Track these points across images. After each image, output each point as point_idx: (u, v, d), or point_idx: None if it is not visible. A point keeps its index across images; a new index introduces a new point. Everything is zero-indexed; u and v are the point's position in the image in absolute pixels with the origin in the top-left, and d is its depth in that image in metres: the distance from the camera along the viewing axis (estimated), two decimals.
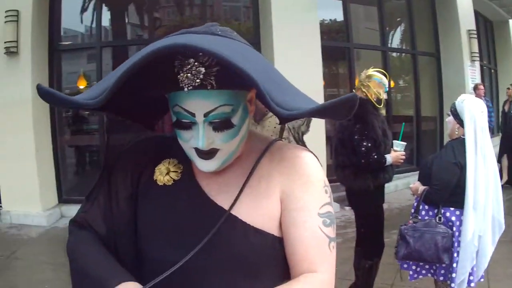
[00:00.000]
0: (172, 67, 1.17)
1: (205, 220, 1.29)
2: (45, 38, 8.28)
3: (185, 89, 1.16)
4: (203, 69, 1.14)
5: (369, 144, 4.17)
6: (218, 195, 1.33)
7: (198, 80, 1.14)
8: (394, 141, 4.47)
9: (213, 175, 1.34)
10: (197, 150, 1.24)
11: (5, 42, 7.70)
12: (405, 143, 4.48)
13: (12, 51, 7.73)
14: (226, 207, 1.29)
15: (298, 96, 1.26)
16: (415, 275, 3.78)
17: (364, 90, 4.35)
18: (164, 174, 1.38)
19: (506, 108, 10.29)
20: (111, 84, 1.11)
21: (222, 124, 1.22)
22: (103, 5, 8.92)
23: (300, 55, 7.83)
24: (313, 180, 1.32)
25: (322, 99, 8.11)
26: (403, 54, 11.73)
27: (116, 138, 1.63)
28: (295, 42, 7.86)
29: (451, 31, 11.07)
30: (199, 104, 1.18)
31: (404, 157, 4.43)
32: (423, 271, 3.74)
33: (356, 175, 4.30)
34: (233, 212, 1.28)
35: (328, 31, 10.05)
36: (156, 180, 1.38)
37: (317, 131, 7.11)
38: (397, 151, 4.38)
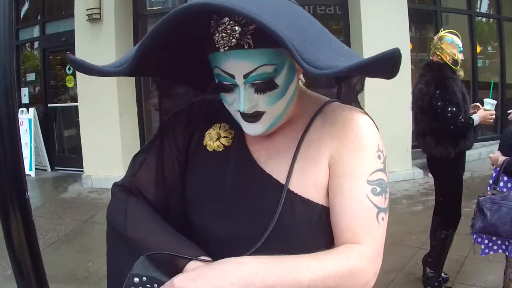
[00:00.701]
0: (209, 28, 1.11)
1: (253, 190, 1.23)
2: (129, 4, 8.33)
3: (221, 49, 1.10)
4: (238, 28, 1.07)
5: (454, 109, 4.05)
6: (267, 162, 1.26)
7: (234, 40, 1.08)
8: (485, 99, 4.34)
9: (263, 140, 1.28)
10: (242, 113, 1.18)
11: (87, 9, 7.79)
12: (495, 101, 4.34)
13: (95, 18, 7.84)
14: (275, 175, 1.22)
15: (339, 52, 1.11)
16: (487, 250, 3.67)
17: (438, 53, 4.25)
18: (215, 139, 1.32)
19: None
20: (135, 50, 1.08)
21: (264, 85, 1.14)
22: None
23: (387, 18, 7.64)
24: (365, 144, 1.19)
25: (409, 62, 7.97)
26: (489, 19, 11.28)
27: (170, 102, 1.52)
28: (383, 4, 7.65)
29: None
30: (237, 65, 1.12)
31: (493, 116, 4.29)
32: (495, 247, 3.63)
33: (437, 142, 4.21)
34: (290, 187, 1.19)
35: None
36: (205, 145, 1.33)
37: (402, 97, 7.03)
38: (487, 110, 4.24)
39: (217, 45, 1.10)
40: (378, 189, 1.16)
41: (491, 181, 3.67)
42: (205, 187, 1.29)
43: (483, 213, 3.42)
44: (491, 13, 11.13)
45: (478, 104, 4.39)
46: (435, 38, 4.41)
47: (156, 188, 1.35)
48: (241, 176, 1.25)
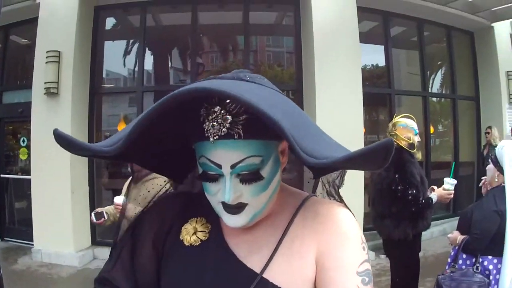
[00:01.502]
0: (198, 116, 1.12)
1: (234, 284, 1.20)
2: (86, 80, 8.33)
3: (211, 139, 1.10)
4: (229, 118, 1.09)
5: (414, 191, 4.17)
6: (248, 257, 1.23)
7: (224, 129, 1.09)
8: (445, 179, 4.44)
9: (242, 234, 1.27)
10: (225, 204, 1.16)
11: (45, 83, 7.77)
12: (455, 181, 4.44)
13: (52, 92, 7.79)
14: (257, 269, 1.20)
15: (329, 144, 1.14)
16: None
17: (394, 139, 4.28)
18: (191, 234, 1.30)
19: (485, 153, 10.01)
20: (129, 131, 1.06)
21: (250, 176, 1.14)
22: (146, 49, 8.96)
23: (341, 101, 7.76)
24: (350, 237, 1.20)
25: (362, 145, 8.05)
26: (443, 99, 11.57)
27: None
28: (338, 88, 7.78)
29: (491, 73, 10.91)
30: (225, 155, 1.11)
31: (451, 196, 4.41)
32: None
33: (395, 225, 4.29)
34: (265, 275, 1.18)
35: (370, 76, 9.95)
36: (182, 240, 1.30)
37: (355, 179, 7.17)
38: (445, 189, 4.35)
39: (206, 134, 1.10)
40: (367, 279, 1.17)
41: (449, 260, 3.77)
42: (182, 282, 1.25)
43: None
44: (445, 92, 11.39)
45: (433, 186, 4.48)
46: (390, 125, 4.56)
47: (128, 284, 1.33)
48: (221, 271, 1.22)
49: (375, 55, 9.87)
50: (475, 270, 3.49)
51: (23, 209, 9.41)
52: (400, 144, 4.33)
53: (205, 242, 1.28)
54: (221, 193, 1.15)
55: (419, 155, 4.54)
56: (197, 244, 1.28)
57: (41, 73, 7.86)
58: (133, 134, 1.05)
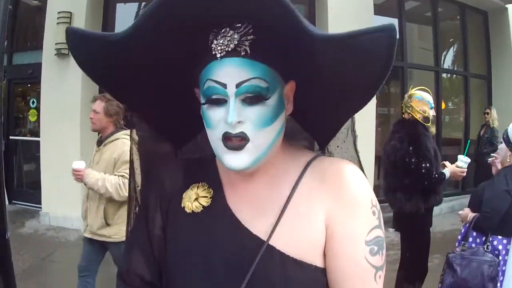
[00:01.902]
0: (206, 41, 1.10)
1: (240, 252, 1.15)
2: None
3: (218, 55, 1.08)
4: (237, 36, 1.06)
5: (428, 165, 4.14)
6: (253, 221, 1.18)
7: (232, 45, 1.06)
8: (459, 156, 4.43)
9: (245, 196, 1.22)
10: (226, 139, 1.10)
11: (56, 44, 7.73)
12: (469, 160, 4.43)
13: (63, 53, 7.75)
14: (263, 235, 1.15)
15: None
16: None
17: (408, 111, 4.36)
18: (193, 200, 1.24)
19: (481, 133, 9.86)
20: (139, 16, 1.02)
21: (255, 100, 1.09)
22: None
23: None
24: (360, 202, 1.16)
25: (374, 118, 8.05)
26: (455, 75, 11.56)
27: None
28: None
29: (503, 54, 10.87)
30: (231, 73, 1.08)
31: (464, 173, 4.41)
32: None
33: (407, 197, 4.25)
34: (271, 242, 1.13)
35: None
36: (184, 207, 1.25)
37: (366, 151, 7.10)
38: (459, 166, 4.34)
39: (213, 52, 1.08)
40: (376, 248, 1.14)
41: (459, 237, 3.73)
42: (185, 251, 1.22)
43: (453, 269, 3.46)
44: (457, 69, 11.37)
45: (445, 162, 4.46)
46: (406, 96, 4.51)
47: (151, 270, 1.30)
48: (225, 237, 1.18)
49: None
50: (485, 249, 3.47)
51: (31, 171, 9.45)
52: (415, 116, 4.30)
53: (208, 209, 1.23)
54: (223, 123, 1.09)
55: (433, 129, 4.56)
56: (199, 210, 1.23)
57: (52, 34, 7.82)
58: (145, 16, 1.01)
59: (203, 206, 1.23)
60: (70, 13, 7.76)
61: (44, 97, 8.07)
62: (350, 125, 1.35)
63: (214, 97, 1.10)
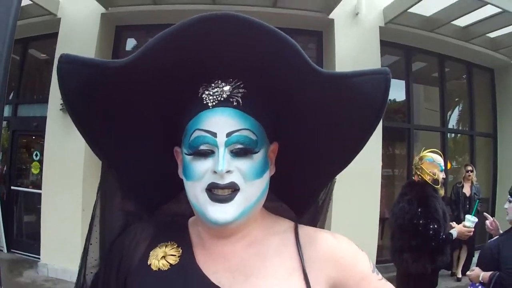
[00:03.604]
0: (196, 92, 1.12)
1: None
2: None
3: (210, 104, 1.09)
4: (229, 87, 1.09)
5: (436, 226, 4.17)
6: (233, 285, 1.12)
7: (224, 95, 1.09)
8: (467, 216, 4.43)
9: (223, 259, 1.17)
10: (212, 190, 1.07)
11: (61, 99, 7.66)
12: (476, 219, 4.41)
13: None
14: None
15: None
16: None
17: (418, 173, 4.42)
18: (160, 257, 1.19)
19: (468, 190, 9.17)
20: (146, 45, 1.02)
21: (244, 152, 1.09)
22: None
23: None
24: (356, 256, 1.24)
25: (379, 178, 8.06)
26: (460, 135, 11.59)
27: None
28: None
29: (509, 111, 10.81)
30: (222, 122, 1.08)
31: (471, 233, 4.38)
32: None
33: (414, 259, 4.26)
34: None
35: (389, 111, 9.86)
36: (150, 264, 1.19)
37: (370, 212, 7.35)
38: (466, 226, 4.32)
39: (205, 101, 1.09)
40: (376, 270, 1.25)
41: None
42: None
43: None
44: (462, 128, 11.38)
45: (452, 223, 4.52)
46: (416, 158, 4.61)
47: None
48: None
49: (395, 90, 9.81)
50: None
51: (31, 222, 9.42)
52: (425, 178, 4.36)
53: (175, 267, 1.17)
54: (209, 173, 1.07)
55: (442, 192, 4.60)
56: (166, 268, 1.17)
57: (58, 89, 7.76)
58: (153, 44, 1.00)
59: (171, 265, 1.17)
60: None
61: (47, 150, 8.07)
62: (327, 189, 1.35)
63: (202, 147, 1.09)
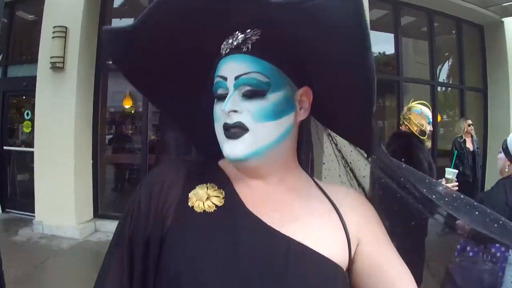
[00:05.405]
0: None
1: (270, 253, 1.09)
2: (92, 57, 8.26)
3: (223, 52, 1.16)
4: (242, 35, 1.15)
5: None
6: (281, 224, 1.14)
7: (235, 43, 1.15)
8: (447, 169, 4.35)
9: (264, 202, 1.18)
10: (225, 127, 1.13)
11: (51, 57, 7.73)
12: (456, 171, 4.35)
13: (58, 66, 7.74)
14: (296, 236, 1.12)
15: None
16: None
17: (406, 123, 4.36)
18: (204, 199, 1.16)
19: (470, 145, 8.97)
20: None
21: (252, 93, 1.13)
22: None
23: None
24: (378, 220, 1.28)
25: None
26: (451, 88, 11.59)
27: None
28: None
29: (499, 67, 10.84)
30: (232, 67, 1.14)
31: (456, 188, 4.26)
32: None
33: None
34: (302, 241, 1.12)
35: (378, 63, 9.93)
36: (192, 206, 1.16)
37: (360, 164, 7.07)
38: (448, 178, 4.26)
39: (221, 51, 1.17)
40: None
41: (458, 247, 3.72)
42: (201, 255, 1.09)
43: (452, 279, 3.43)
44: (452, 82, 11.39)
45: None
46: (405, 108, 4.54)
47: None
48: (251, 239, 1.11)
49: (384, 43, 9.86)
50: (484, 258, 3.47)
51: (25, 181, 9.46)
52: (412, 129, 4.33)
53: (222, 209, 1.15)
54: (223, 114, 1.14)
55: (428, 143, 4.49)
56: (212, 210, 1.15)
57: (47, 48, 7.82)
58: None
59: (216, 206, 1.16)
60: (66, 27, 7.76)
61: (38, 109, 8.07)
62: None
63: (219, 91, 1.17)
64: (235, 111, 1.12)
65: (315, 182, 1.30)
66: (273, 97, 1.13)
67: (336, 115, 1.28)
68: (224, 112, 1.11)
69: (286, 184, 1.23)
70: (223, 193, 1.19)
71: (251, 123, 1.12)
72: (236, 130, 1.12)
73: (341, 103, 1.18)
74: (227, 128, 1.13)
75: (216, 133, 1.18)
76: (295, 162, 1.28)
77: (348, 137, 1.37)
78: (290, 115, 1.18)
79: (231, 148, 1.12)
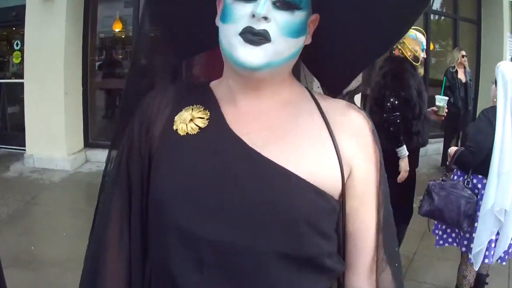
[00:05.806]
0: None
1: (248, 175, 1.06)
2: None
3: None
4: None
5: (396, 102, 4.08)
6: (266, 146, 1.09)
7: None
8: (437, 96, 4.46)
9: (250, 122, 1.13)
10: (248, 31, 1.03)
11: None
12: (447, 98, 4.46)
13: None
14: (275, 159, 1.06)
15: None
16: (441, 242, 3.80)
17: (399, 47, 4.27)
18: (188, 121, 1.13)
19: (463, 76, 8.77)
20: None
21: (286, 6, 1.05)
22: None
23: None
24: (378, 157, 1.25)
25: None
26: (444, 17, 11.54)
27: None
28: None
29: (493, 1, 10.84)
30: None
31: (444, 113, 4.42)
32: (450, 239, 3.75)
33: (387, 136, 4.07)
34: (286, 166, 1.06)
35: None
36: (176, 130, 1.14)
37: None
38: (440, 106, 4.36)
39: None
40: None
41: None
42: (181, 177, 1.09)
43: (431, 197, 3.53)
44: (446, 11, 11.34)
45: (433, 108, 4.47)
46: None
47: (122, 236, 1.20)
48: (233, 161, 1.07)
49: None
50: (465, 185, 3.51)
51: (15, 113, 9.36)
52: (405, 54, 4.25)
53: (205, 130, 1.12)
54: (247, 18, 1.03)
55: (421, 70, 4.48)
56: (195, 132, 1.12)
57: None
58: None
59: (200, 128, 1.13)
60: None
61: (28, 39, 7.91)
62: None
63: None
64: (265, 17, 1.03)
65: (311, 94, 1.23)
66: (299, 15, 1.07)
67: (326, 57, 1.26)
68: (255, 15, 1.02)
69: (280, 98, 1.17)
70: (208, 114, 1.15)
71: (276, 35, 1.04)
72: (259, 38, 1.03)
73: (344, 43, 1.20)
74: (250, 32, 1.03)
75: (224, 36, 1.09)
76: (291, 75, 1.21)
77: (323, 78, 1.35)
78: (304, 37, 1.13)
79: (248, 53, 1.03)
